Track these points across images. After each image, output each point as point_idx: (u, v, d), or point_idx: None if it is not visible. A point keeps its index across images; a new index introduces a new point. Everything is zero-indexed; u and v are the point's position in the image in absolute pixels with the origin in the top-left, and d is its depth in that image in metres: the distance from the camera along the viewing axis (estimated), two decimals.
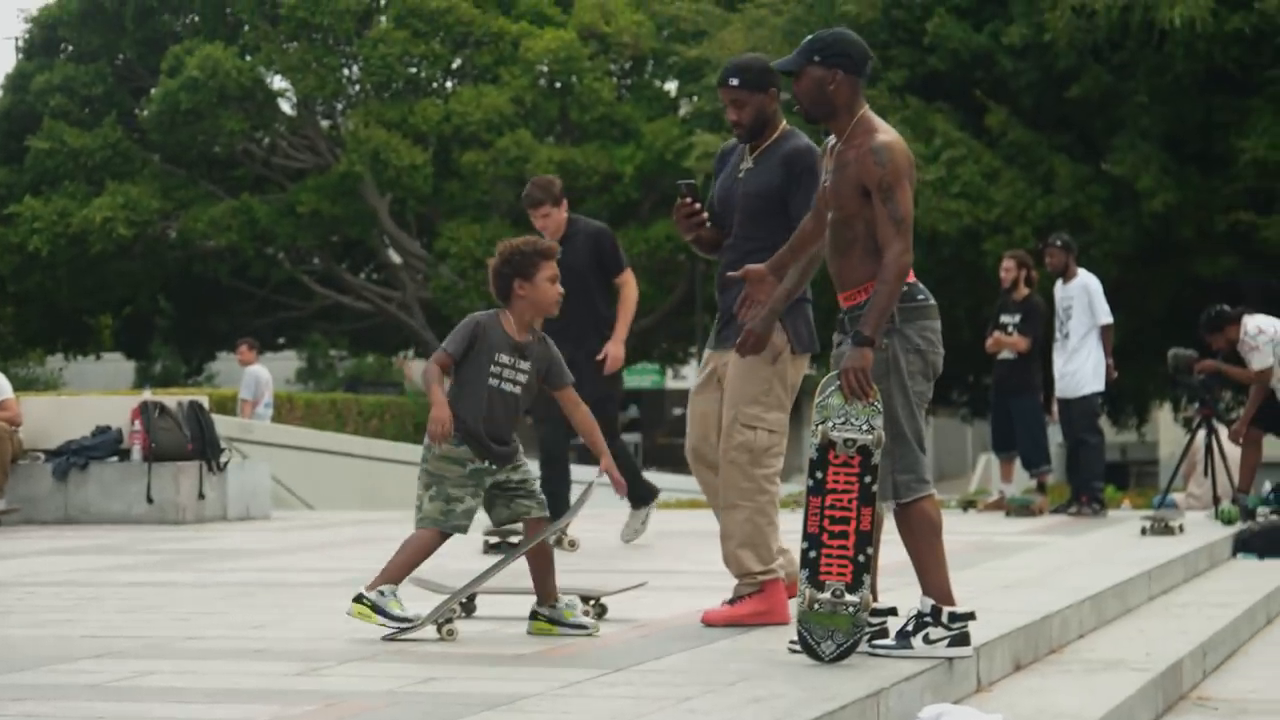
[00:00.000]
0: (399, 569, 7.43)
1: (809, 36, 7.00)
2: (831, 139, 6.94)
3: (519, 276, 7.39)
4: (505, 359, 7.38)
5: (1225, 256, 26.31)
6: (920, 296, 6.83)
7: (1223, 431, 16.99)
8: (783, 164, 7.70)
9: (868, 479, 6.69)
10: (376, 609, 7.30)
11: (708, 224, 7.77)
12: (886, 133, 6.77)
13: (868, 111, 6.85)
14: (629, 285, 12.18)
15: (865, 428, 6.68)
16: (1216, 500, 16.37)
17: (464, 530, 7.52)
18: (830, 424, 6.69)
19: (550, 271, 7.40)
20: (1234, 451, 16.46)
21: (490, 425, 7.37)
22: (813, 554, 6.70)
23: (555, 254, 7.47)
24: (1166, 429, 44.65)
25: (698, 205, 7.70)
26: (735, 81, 7.69)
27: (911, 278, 6.80)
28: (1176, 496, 18.06)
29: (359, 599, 7.33)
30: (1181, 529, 14.02)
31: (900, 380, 6.79)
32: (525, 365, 7.42)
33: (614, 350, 12.04)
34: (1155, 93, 25.99)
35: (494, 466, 7.39)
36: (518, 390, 7.43)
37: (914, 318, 6.80)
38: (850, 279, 6.81)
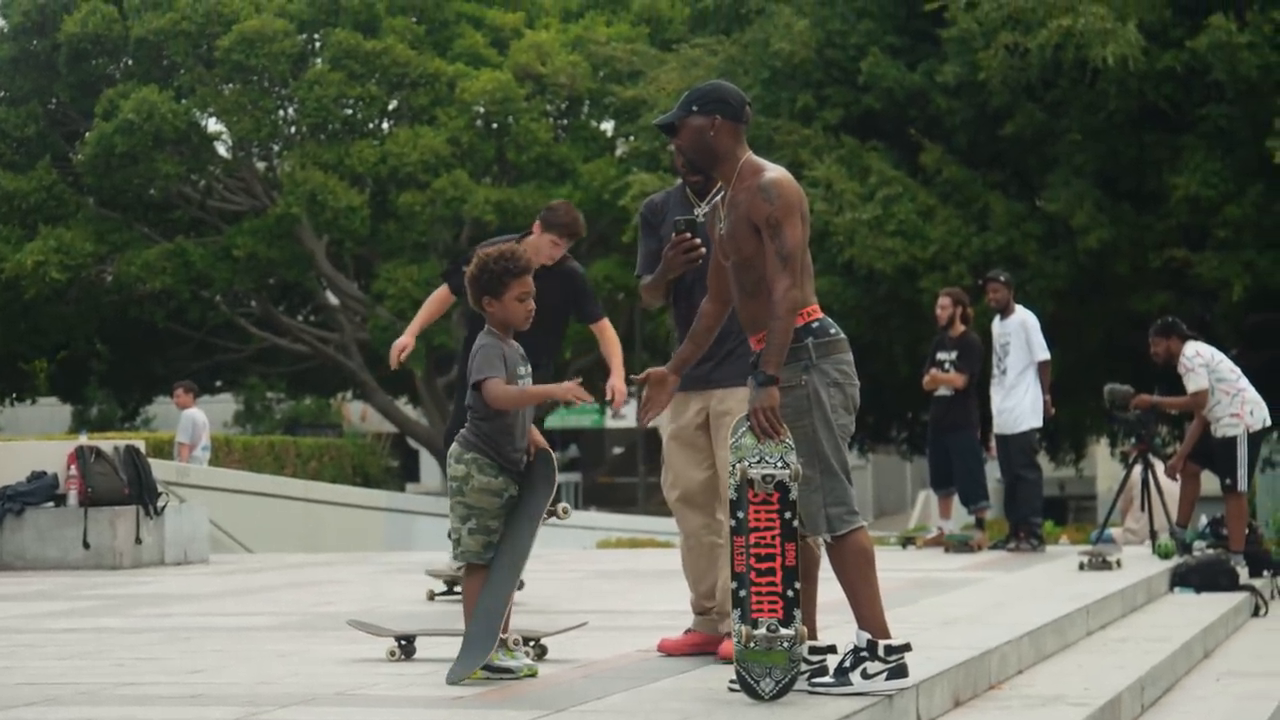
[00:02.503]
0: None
1: (687, 91, 7.17)
2: (720, 193, 7.07)
3: (487, 294, 7.34)
4: (521, 370, 7.35)
5: (1160, 292, 26.45)
6: (832, 331, 6.91)
7: (1159, 466, 17.08)
8: None
9: (788, 514, 6.74)
10: (484, 666, 7.23)
11: (700, 261, 7.73)
12: (774, 170, 6.90)
13: (752, 155, 7.00)
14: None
15: (780, 464, 6.72)
16: (1154, 535, 16.46)
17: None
18: (746, 463, 6.73)
19: (519, 290, 7.31)
20: (1170, 486, 16.55)
21: (523, 440, 7.34)
22: (742, 593, 6.72)
23: (528, 270, 7.37)
24: (1104, 464, 44.89)
25: (698, 241, 7.64)
26: None
27: (820, 314, 6.89)
28: (1114, 531, 18.14)
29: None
30: (1119, 564, 14.08)
31: (823, 415, 6.83)
32: (529, 370, 7.41)
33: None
34: (1088, 130, 26.16)
35: (519, 494, 7.30)
36: None
37: (828, 352, 6.87)
38: (761, 322, 6.86)
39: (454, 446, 7.36)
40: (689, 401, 7.93)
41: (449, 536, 7.53)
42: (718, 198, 7.14)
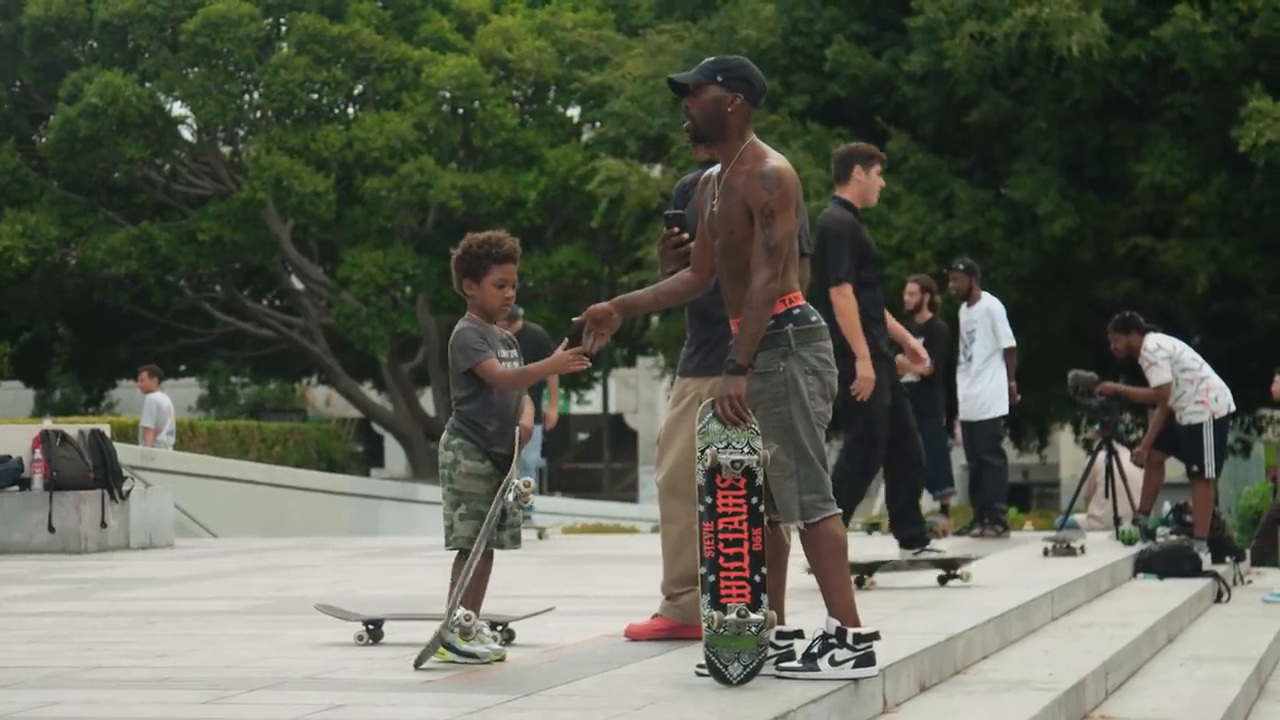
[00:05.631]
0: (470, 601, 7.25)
1: (712, 59, 7.09)
2: (715, 168, 7.03)
3: (467, 276, 7.29)
4: (504, 353, 7.29)
5: (1124, 280, 26.57)
6: (813, 319, 6.89)
7: (1123, 453, 17.13)
8: None
9: (754, 500, 6.74)
10: (449, 647, 7.19)
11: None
12: (777, 159, 6.86)
13: (756, 140, 6.96)
14: None
15: (747, 449, 6.72)
16: (1117, 521, 16.51)
17: (502, 546, 7.39)
18: (714, 449, 6.73)
19: (498, 275, 7.25)
20: (1134, 472, 16.60)
21: (509, 425, 7.29)
22: (711, 578, 6.73)
23: (510, 257, 7.30)
24: (1068, 451, 45.00)
25: (685, 236, 7.51)
26: None
27: (801, 300, 6.87)
28: (1078, 518, 18.20)
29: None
30: (1083, 550, 14.13)
31: (801, 403, 6.82)
32: (516, 354, 7.35)
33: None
34: (1054, 118, 26.24)
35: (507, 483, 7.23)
36: None
37: (808, 340, 6.85)
38: (741, 307, 6.84)
39: (444, 434, 7.36)
40: (689, 387, 7.91)
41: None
42: (711, 170, 7.09)
